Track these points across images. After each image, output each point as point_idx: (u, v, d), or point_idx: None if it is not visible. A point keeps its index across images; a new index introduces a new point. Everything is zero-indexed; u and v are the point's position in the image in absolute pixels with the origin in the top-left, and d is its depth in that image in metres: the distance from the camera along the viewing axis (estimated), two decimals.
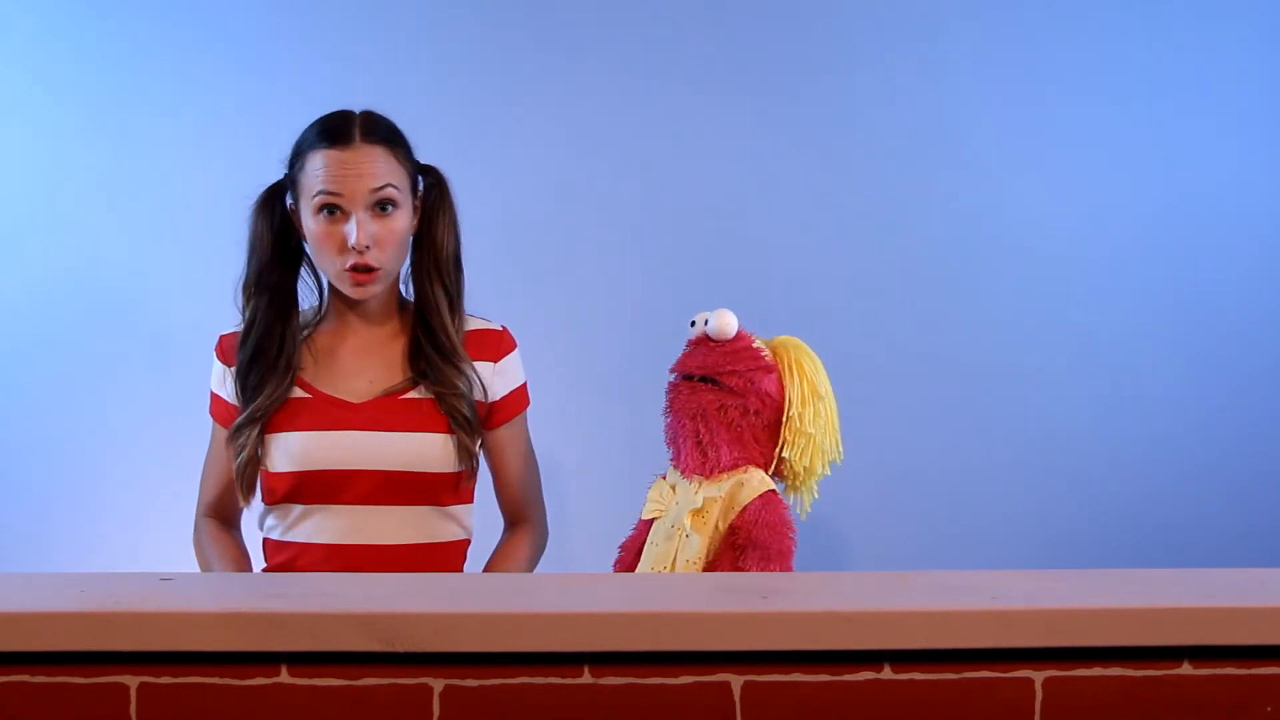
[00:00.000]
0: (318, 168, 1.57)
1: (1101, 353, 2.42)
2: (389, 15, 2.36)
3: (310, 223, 1.59)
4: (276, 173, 1.67)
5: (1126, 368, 2.42)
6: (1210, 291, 2.42)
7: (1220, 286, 2.43)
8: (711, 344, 1.38)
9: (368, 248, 1.57)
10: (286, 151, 1.65)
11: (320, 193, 1.57)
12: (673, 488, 1.40)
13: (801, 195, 2.39)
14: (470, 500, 1.70)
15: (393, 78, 2.32)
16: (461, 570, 1.70)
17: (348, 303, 1.65)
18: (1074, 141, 2.40)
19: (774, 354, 1.40)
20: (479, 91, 2.36)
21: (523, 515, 1.76)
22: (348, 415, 1.61)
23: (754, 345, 1.39)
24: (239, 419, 1.62)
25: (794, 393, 1.37)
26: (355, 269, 1.58)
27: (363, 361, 1.65)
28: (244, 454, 1.60)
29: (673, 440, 1.40)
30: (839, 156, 2.39)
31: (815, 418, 1.38)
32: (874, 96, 2.39)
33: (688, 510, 1.34)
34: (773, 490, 1.37)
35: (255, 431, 1.60)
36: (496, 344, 1.71)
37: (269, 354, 1.62)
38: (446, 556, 1.66)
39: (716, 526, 1.34)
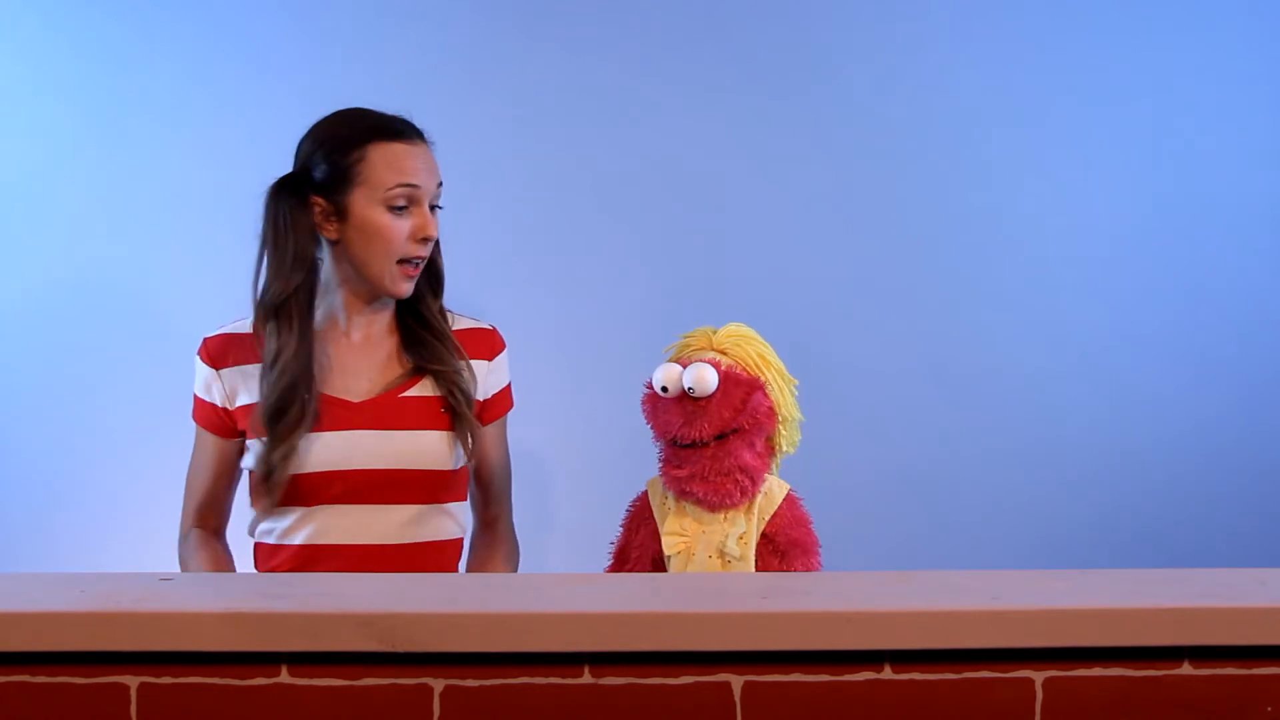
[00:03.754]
0: (393, 160, 1.58)
1: (1102, 353, 2.42)
2: (389, 15, 2.36)
3: (371, 214, 1.57)
4: (277, 172, 1.65)
5: (1127, 368, 2.42)
6: (1209, 291, 2.42)
7: (1220, 287, 2.42)
8: (699, 401, 1.34)
9: (431, 240, 1.61)
10: (293, 146, 1.63)
11: (401, 184, 1.57)
12: (695, 520, 1.38)
13: (802, 195, 2.39)
14: (464, 498, 1.71)
15: (393, 77, 2.31)
16: (457, 568, 1.70)
17: (352, 301, 1.64)
18: (1074, 141, 2.40)
19: (734, 357, 1.37)
20: (479, 91, 2.36)
21: (495, 513, 1.77)
22: (350, 415, 1.61)
23: (726, 370, 1.35)
24: (280, 435, 1.55)
25: (773, 391, 1.37)
26: (411, 261, 1.59)
27: (361, 360, 1.65)
28: (285, 463, 1.56)
29: (705, 489, 1.35)
30: (840, 156, 2.39)
31: (792, 400, 1.39)
32: (874, 96, 2.39)
33: (735, 537, 1.35)
34: (790, 490, 1.40)
35: (298, 442, 1.57)
36: (490, 343, 1.72)
37: (309, 372, 1.57)
38: (447, 554, 1.67)
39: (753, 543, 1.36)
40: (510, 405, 1.75)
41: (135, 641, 1.00)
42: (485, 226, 2.33)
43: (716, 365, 1.35)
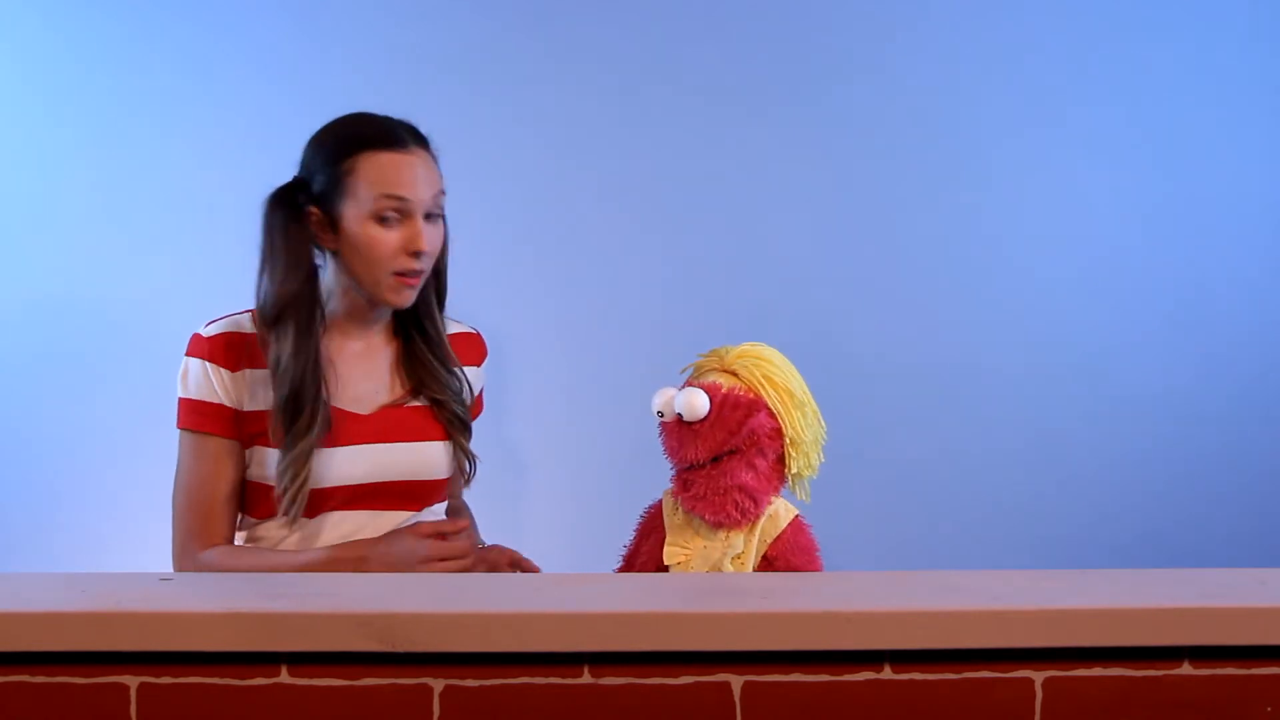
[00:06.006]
0: (380, 172, 1.54)
1: (1101, 353, 2.42)
2: (389, 15, 2.36)
3: (359, 227, 1.54)
4: (278, 177, 1.64)
5: (1126, 368, 2.42)
6: (1209, 292, 2.42)
7: (1220, 287, 2.43)
8: (693, 425, 1.34)
9: (425, 253, 1.56)
10: (296, 154, 1.62)
11: (387, 196, 1.53)
12: (697, 534, 1.39)
13: (803, 196, 2.39)
14: (445, 499, 1.73)
15: (393, 77, 2.31)
16: None
17: (350, 312, 1.62)
18: (1074, 142, 2.40)
19: (741, 380, 1.36)
20: (479, 91, 2.36)
21: (459, 503, 1.80)
22: (357, 428, 1.60)
23: (725, 393, 1.35)
24: (293, 442, 1.53)
25: (778, 413, 1.36)
26: (406, 274, 1.56)
27: (363, 371, 1.64)
28: (301, 477, 1.53)
29: (704, 509, 1.36)
30: (839, 157, 2.39)
31: (805, 423, 1.37)
32: (874, 99, 2.39)
33: (730, 557, 1.35)
34: (798, 515, 1.39)
35: (312, 452, 1.54)
36: (480, 348, 1.74)
37: (314, 378, 1.54)
38: None
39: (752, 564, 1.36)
40: (481, 409, 1.76)
41: (135, 641, 1.00)
42: (485, 227, 2.33)
43: (715, 389, 1.35)
